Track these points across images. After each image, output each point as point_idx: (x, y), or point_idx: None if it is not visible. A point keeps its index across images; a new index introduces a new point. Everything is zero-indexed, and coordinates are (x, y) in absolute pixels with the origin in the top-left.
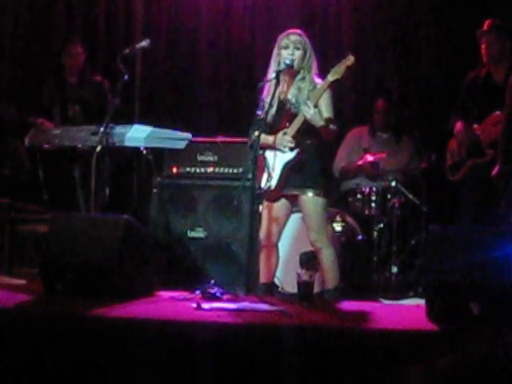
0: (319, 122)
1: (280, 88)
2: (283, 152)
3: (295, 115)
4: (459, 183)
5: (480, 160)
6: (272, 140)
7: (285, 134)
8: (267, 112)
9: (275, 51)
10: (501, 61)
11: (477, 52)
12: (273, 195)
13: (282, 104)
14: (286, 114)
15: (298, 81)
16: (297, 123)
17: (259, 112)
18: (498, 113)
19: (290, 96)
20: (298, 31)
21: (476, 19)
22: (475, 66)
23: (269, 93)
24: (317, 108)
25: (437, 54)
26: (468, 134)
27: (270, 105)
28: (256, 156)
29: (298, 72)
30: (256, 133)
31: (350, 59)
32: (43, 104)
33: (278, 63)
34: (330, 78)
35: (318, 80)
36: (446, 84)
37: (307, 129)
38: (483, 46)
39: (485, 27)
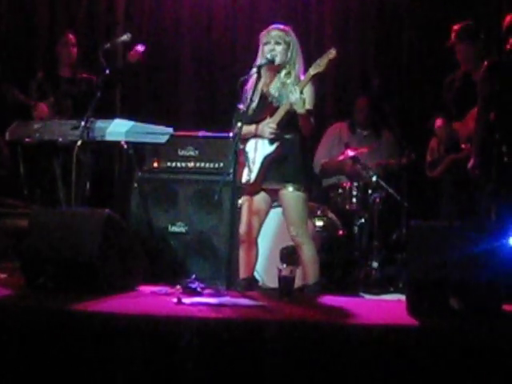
0: (301, 108)
1: (262, 82)
2: (264, 140)
3: (276, 109)
4: (438, 180)
5: (457, 155)
6: (254, 128)
7: (268, 123)
8: (248, 106)
9: (260, 48)
10: (478, 63)
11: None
12: (252, 189)
13: (264, 97)
14: (267, 107)
15: (283, 76)
16: (279, 115)
17: (241, 105)
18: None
19: (272, 90)
20: (280, 26)
21: (456, 16)
22: (457, 63)
23: (251, 87)
24: (302, 94)
25: (419, 51)
26: (446, 131)
27: (251, 100)
28: (237, 150)
29: (282, 67)
30: (238, 125)
31: (332, 53)
32: (30, 96)
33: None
34: (312, 71)
35: (303, 77)
36: (428, 82)
37: (288, 123)
38: (458, 55)
39: (454, 36)
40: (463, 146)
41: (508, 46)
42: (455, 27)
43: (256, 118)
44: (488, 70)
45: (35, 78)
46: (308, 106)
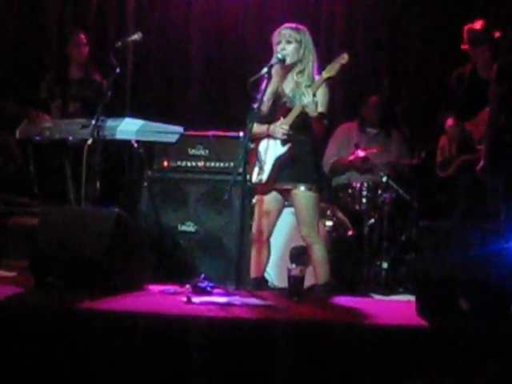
0: (314, 111)
1: (274, 81)
2: (276, 140)
3: (290, 109)
4: (449, 180)
5: (470, 156)
6: (266, 128)
7: (281, 124)
8: (259, 106)
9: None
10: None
11: None
12: (264, 188)
13: (278, 97)
14: (281, 107)
15: (296, 74)
16: (291, 117)
17: (255, 105)
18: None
19: (286, 89)
20: (293, 25)
21: (468, 15)
22: (466, 62)
23: (265, 87)
24: (315, 97)
25: (429, 50)
26: (459, 131)
27: (262, 99)
28: (247, 149)
29: (295, 65)
30: (250, 125)
31: (345, 57)
32: (40, 98)
33: None
34: (325, 75)
35: (317, 77)
36: (438, 80)
37: (301, 124)
38: (474, 59)
39: (467, 40)
40: (479, 147)
41: None
42: (467, 30)
43: (270, 118)
44: (498, 71)
45: (45, 79)
46: (321, 109)
